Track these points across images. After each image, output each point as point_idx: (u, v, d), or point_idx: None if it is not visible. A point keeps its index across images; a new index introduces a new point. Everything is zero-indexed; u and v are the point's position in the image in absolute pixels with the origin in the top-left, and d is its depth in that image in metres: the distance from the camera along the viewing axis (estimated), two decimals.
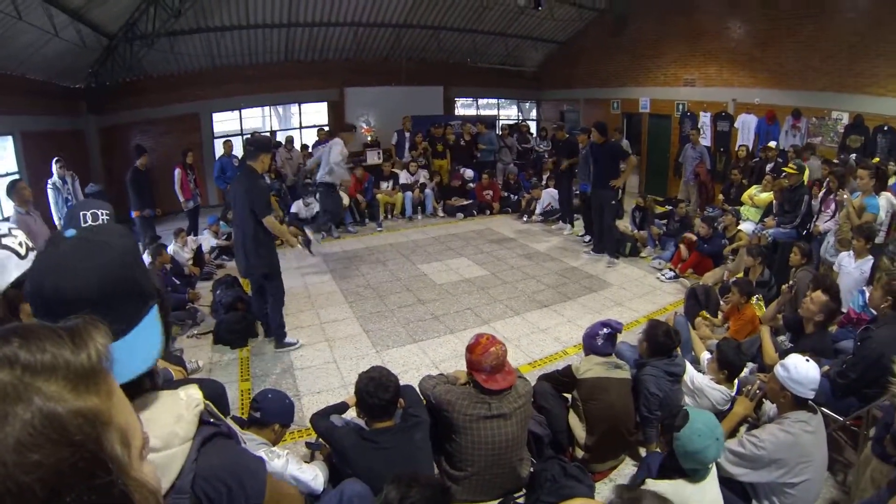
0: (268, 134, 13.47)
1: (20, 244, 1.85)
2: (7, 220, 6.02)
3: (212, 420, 1.13)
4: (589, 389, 3.44)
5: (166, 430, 0.99)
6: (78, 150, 10.33)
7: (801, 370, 2.73)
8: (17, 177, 7.82)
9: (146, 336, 0.98)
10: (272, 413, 2.97)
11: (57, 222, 7.32)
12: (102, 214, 2.07)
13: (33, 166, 8.95)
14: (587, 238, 9.17)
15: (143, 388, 1.05)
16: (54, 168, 7.70)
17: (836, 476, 3.44)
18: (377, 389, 2.85)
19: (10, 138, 8.92)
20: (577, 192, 9.33)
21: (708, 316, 5.37)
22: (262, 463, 1.22)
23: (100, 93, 10.95)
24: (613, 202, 7.94)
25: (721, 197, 9.49)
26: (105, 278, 0.95)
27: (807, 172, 7.33)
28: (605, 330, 3.63)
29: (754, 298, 5.32)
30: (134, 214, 8.34)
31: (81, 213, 2.11)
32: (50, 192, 7.59)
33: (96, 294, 0.92)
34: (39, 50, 8.34)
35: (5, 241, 1.85)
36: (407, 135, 12.48)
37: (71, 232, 1.00)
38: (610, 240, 8.09)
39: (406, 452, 2.85)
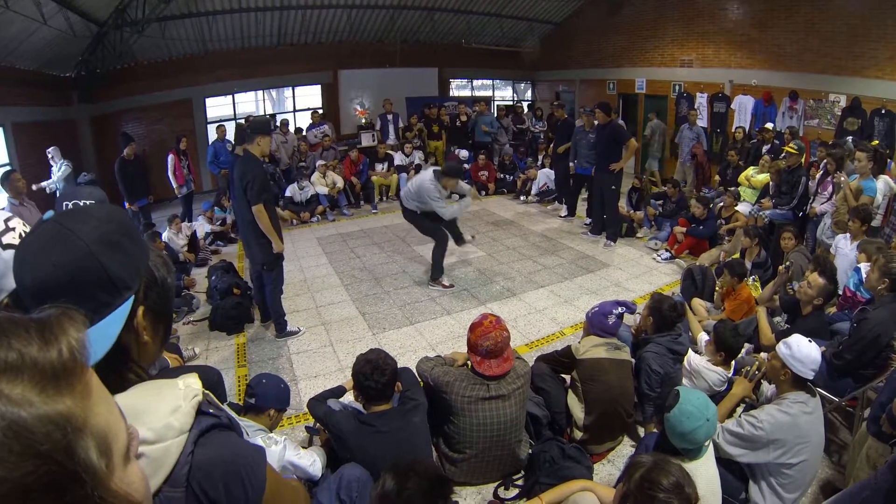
0: (267, 116, 13.33)
1: (20, 235, 1.81)
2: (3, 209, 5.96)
3: (211, 411, 1.09)
4: (588, 370, 3.43)
5: (161, 422, 0.94)
6: (70, 140, 10.21)
7: (804, 349, 2.74)
8: (9, 168, 7.75)
9: (100, 333, 0.90)
10: (267, 398, 2.96)
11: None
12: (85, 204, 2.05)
13: (25, 157, 8.90)
14: (564, 214, 9.44)
15: (126, 381, 1.00)
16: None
17: (831, 457, 3.47)
18: (374, 372, 2.85)
19: (0, 129, 8.85)
20: (572, 174, 9.13)
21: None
22: (263, 453, 1.19)
23: (90, 81, 10.81)
24: (613, 187, 7.77)
25: (717, 178, 9.47)
26: (62, 268, 0.89)
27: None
28: (619, 309, 3.62)
29: (750, 279, 5.33)
30: (127, 206, 8.32)
31: (64, 203, 2.10)
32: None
33: (52, 283, 0.87)
34: (28, 39, 8.21)
35: (5, 239, 1.81)
36: (389, 117, 12.40)
37: (48, 214, 0.95)
38: (612, 226, 8.01)
39: (404, 436, 2.85)
